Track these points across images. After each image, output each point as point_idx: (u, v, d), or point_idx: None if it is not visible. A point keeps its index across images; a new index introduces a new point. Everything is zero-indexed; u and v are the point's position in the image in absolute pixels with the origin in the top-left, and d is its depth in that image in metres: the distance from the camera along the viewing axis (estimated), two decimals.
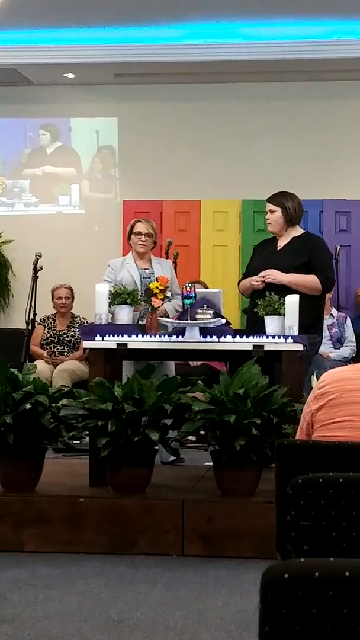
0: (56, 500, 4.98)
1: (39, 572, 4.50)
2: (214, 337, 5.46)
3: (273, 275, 5.93)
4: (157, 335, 5.59)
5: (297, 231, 6.16)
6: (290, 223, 6.10)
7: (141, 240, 6.40)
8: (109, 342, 5.47)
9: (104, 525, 4.88)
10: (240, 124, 9.65)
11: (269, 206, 6.14)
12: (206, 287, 7.70)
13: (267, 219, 6.18)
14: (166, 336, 5.58)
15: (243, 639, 3.57)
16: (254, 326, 5.77)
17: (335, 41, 8.65)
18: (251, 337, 5.43)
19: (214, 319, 5.52)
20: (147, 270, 6.41)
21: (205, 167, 9.64)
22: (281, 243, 6.14)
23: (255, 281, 6.01)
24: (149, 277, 6.29)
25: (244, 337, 5.47)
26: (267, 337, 5.41)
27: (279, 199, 6.12)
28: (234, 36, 8.73)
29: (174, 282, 6.34)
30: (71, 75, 9.52)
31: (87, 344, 5.60)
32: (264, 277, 5.95)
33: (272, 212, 6.11)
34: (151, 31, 8.70)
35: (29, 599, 4.05)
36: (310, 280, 5.94)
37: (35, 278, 8.12)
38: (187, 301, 5.52)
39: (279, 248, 6.13)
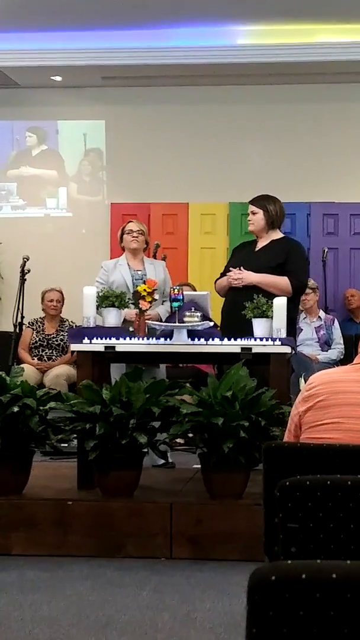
0: (44, 504, 4.97)
1: (26, 576, 4.49)
2: (202, 340, 5.46)
3: (243, 276, 5.98)
4: (145, 338, 5.59)
5: (277, 234, 6.26)
6: (271, 226, 6.20)
7: (133, 236, 6.40)
8: (97, 344, 5.47)
9: (91, 528, 4.87)
10: (228, 127, 9.65)
11: (251, 208, 6.25)
12: (194, 290, 7.70)
13: (249, 220, 6.28)
14: (154, 339, 5.58)
15: None
16: (232, 326, 5.78)
17: (322, 44, 8.66)
18: (239, 340, 5.43)
19: (202, 322, 5.52)
20: (139, 272, 6.39)
21: (193, 169, 9.64)
22: (260, 244, 6.24)
23: (230, 278, 6.05)
24: (141, 279, 6.25)
25: (232, 339, 5.47)
26: (255, 340, 5.42)
27: (261, 201, 6.24)
28: (222, 39, 8.73)
29: (167, 283, 6.32)
30: (58, 78, 9.51)
31: (75, 347, 5.62)
32: (234, 279, 6.00)
33: (254, 213, 6.23)
34: (138, 34, 8.69)
35: (16, 603, 4.04)
36: (281, 282, 5.99)
37: (22, 281, 8.12)
38: (175, 304, 5.54)
39: (257, 249, 6.21)
